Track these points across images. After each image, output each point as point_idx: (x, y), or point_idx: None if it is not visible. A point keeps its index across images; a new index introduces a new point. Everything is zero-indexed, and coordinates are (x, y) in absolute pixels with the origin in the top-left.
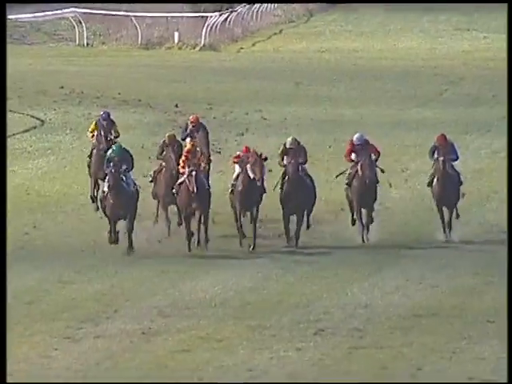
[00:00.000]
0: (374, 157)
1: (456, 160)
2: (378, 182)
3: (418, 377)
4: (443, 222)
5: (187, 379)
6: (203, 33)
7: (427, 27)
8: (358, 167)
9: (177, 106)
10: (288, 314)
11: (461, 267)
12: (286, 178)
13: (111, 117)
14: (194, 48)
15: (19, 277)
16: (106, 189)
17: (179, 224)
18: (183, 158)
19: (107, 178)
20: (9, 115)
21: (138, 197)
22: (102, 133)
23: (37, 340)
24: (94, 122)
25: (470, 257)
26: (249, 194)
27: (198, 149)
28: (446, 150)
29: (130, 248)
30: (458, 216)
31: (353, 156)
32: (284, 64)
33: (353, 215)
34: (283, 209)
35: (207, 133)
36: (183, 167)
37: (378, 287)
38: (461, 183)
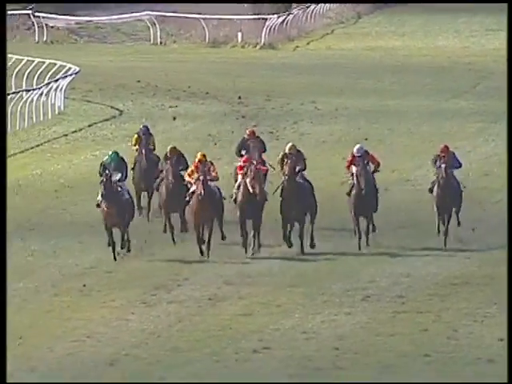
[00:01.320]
0: (372, 167)
1: (459, 167)
2: (377, 191)
3: (454, 338)
4: (443, 226)
5: (248, 340)
6: (263, 33)
7: (462, 28)
8: (354, 177)
9: (240, 97)
10: (338, 282)
11: (491, 241)
12: (284, 183)
13: (150, 130)
14: (255, 46)
15: (100, 249)
16: (99, 197)
17: (182, 230)
18: (192, 167)
19: (100, 186)
20: (91, 106)
21: (133, 206)
22: (143, 146)
23: (115, 305)
24: (135, 136)
25: (498, 231)
26: (249, 206)
27: (207, 160)
28: (447, 159)
29: (127, 250)
30: (459, 223)
31: (353, 168)
32: (335, 61)
33: (355, 231)
34: (282, 216)
35: (263, 144)
36: (190, 175)
37: (418, 259)
38: (461, 191)
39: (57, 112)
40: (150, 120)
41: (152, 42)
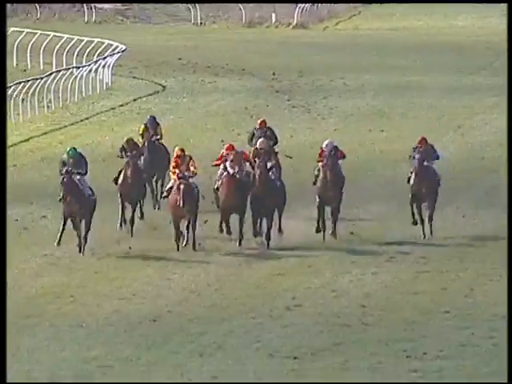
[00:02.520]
0: (340, 160)
1: (437, 159)
2: (343, 183)
3: (471, 296)
4: (420, 218)
5: (282, 298)
6: (295, 14)
7: (480, 9)
8: (321, 169)
9: (274, 74)
10: (364, 244)
11: (506, 205)
12: (255, 179)
13: (157, 120)
14: (288, 26)
15: (145, 215)
16: (60, 193)
17: (131, 223)
18: (173, 163)
19: (61, 182)
20: (137, 81)
21: (94, 203)
22: (148, 137)
23: (159, 266)
24: (143, 126)
25: None
26: (232, 193)
27: (187, 154)
28: (423, 150)
29: (81, 250)
30: (430, 218)
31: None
32: (362, 40)
33: (318, 221)
34: (252, 211)
35: (274, 135)
36: (173, 173)
37: (439, 223)
38: (438, 184)
39: (105, 87)
40: (190, 95)
41: (193, 22)
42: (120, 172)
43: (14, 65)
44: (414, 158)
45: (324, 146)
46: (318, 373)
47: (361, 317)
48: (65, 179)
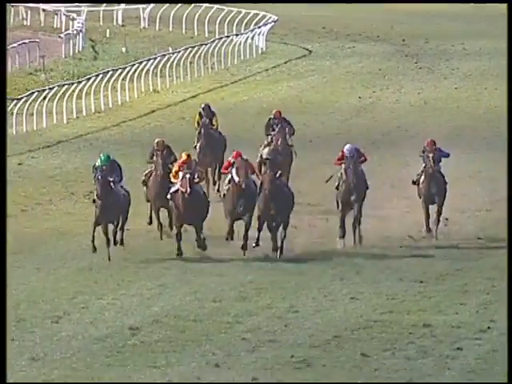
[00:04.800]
0: (361, 160)
1: (448, 156)
2: (367, 187)
3: None
4: (428, 219)
5: (409, 231)
6: None
7: None
8: (343, 172)
9: (403, 40)
10: (483, 183)
11: None
12: (263, 189)
13: (212, 109)
14: None
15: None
16: (94, 196)
17: (170, 227)
18: (176, 168)
19: (95, 186)
20: (287, 46)
21: (128, 204)
22: (203, 125)
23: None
24: (198, 113)
25: None
26: (237, 201)
27: (193, 159)
28: (433, 151)
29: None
30: (438, 221)
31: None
32: (479, 10)
33: (341, 223)
34: (259, 214)
35: (290, 125)
36: (175, 177)
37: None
38: (445, 187)
39: (260, 52)
40: (332, 58)
41: None
42: (149, 176)
43: (183, 33)
44: (426, 157)
45: (345, 150)
46: (441, 294)
47: (477, 247)
48: (98, 182)
